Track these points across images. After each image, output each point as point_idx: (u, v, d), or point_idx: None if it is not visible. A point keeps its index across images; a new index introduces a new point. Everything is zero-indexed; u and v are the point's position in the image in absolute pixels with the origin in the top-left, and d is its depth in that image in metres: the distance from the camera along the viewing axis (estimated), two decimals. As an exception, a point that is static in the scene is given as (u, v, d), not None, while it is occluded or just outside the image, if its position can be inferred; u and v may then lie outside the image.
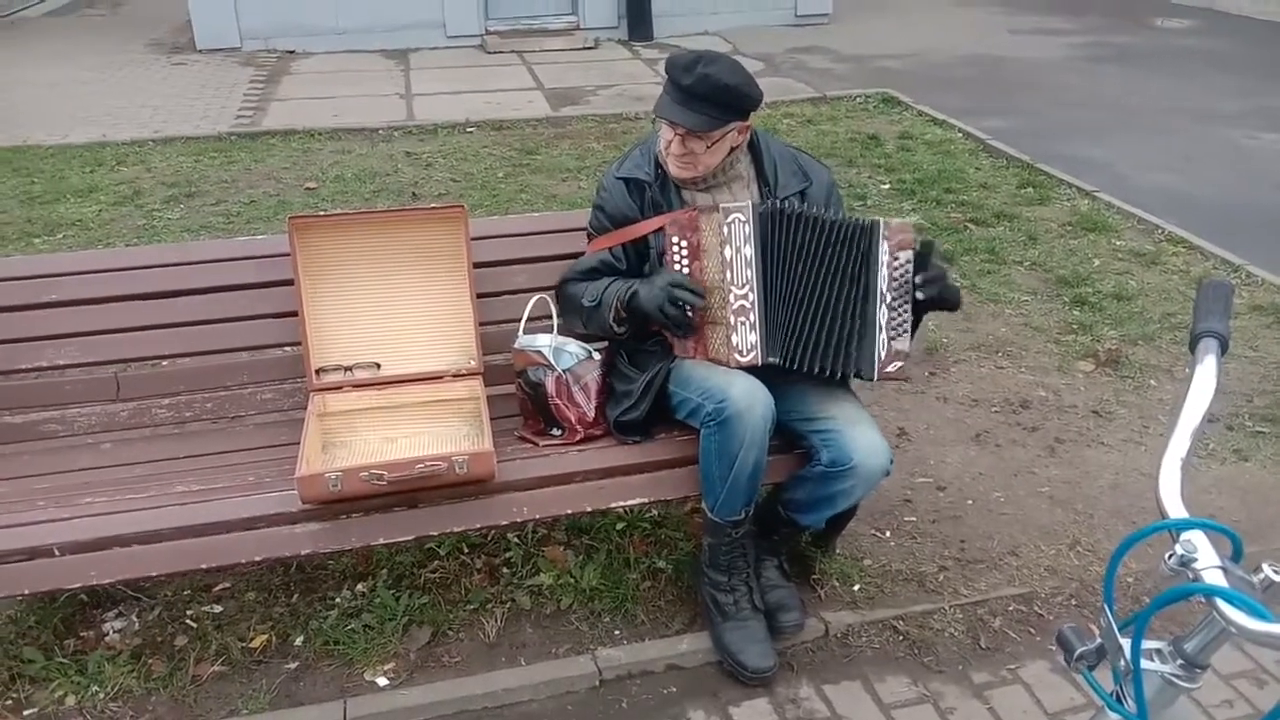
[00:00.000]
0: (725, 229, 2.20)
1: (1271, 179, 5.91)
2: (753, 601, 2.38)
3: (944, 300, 2.25)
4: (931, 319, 4.02)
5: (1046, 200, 5.43)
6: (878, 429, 2.27)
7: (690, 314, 2.23)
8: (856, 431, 2.23)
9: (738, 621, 2.36)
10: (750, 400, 2.17)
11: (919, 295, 2.22)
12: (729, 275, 2.21)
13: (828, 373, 2.24)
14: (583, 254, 2.50)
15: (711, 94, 2.19)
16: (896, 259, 2.22)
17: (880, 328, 2.22)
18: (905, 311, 2.24)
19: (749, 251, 2.21)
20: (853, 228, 2.22)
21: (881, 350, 2.23)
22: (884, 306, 2.22)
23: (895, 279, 2.22)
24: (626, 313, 2.28)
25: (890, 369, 2.24)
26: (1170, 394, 3.56)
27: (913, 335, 2.30)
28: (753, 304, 2.21)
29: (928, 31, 10.22)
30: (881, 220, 2.22)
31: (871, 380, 2.26)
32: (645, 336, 2.37)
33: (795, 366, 2.24)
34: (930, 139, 6.55)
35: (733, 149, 2.33)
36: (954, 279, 2.27)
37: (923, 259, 2.23)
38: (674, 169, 2.33)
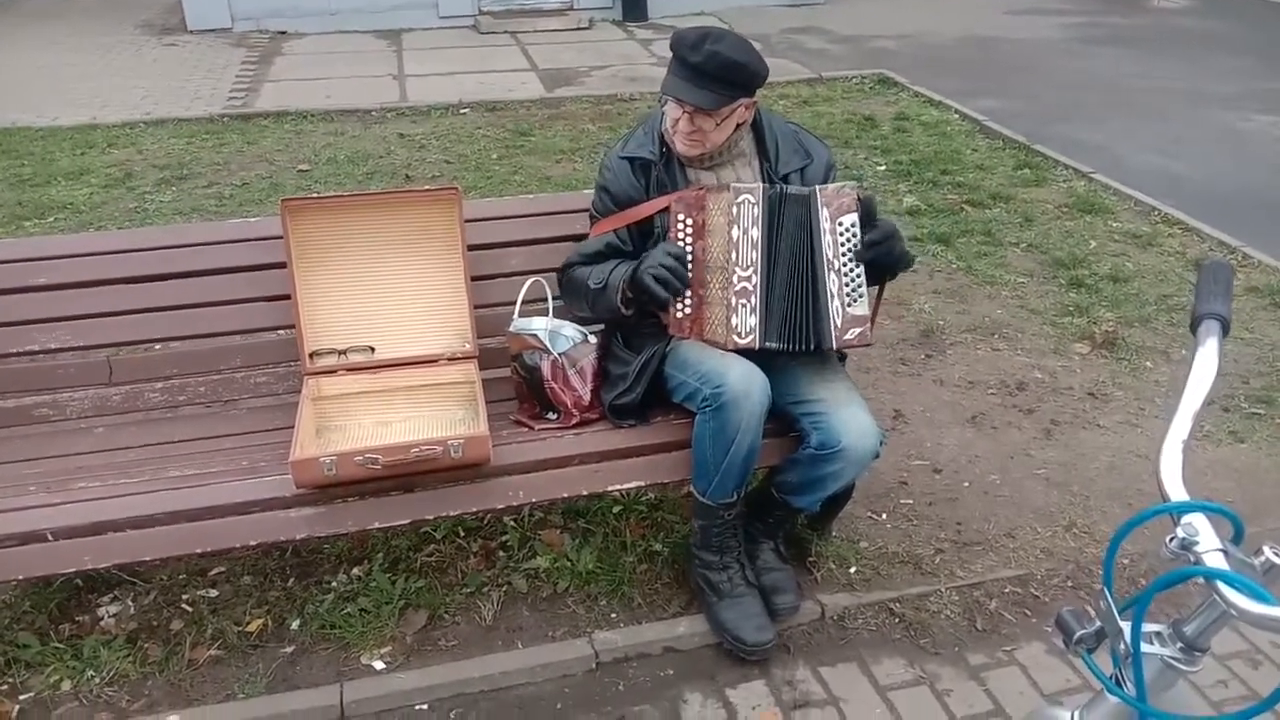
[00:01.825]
0: (735, 209, 2.18)
1: (1266, 161, 5.90)
2: (746, 578, 2.38)
3: (886, 263, 2.24)
4: (927, 302, 4.05)
5: (1043, 182, 5.42)
6: (867, 410, 2.26)
7: (678, 279, 2.20)
8: (846, 413, 2.22)
9: (733, 599, 2.35)
10: (747, 385, 2.16)
11: (859, 259, 2.21)
12: (734, 255, 2.19)
13: (791, 349, 2.22)
14: (585, 236, 2.48)
15: (720, 71, 2.17)
16: (841, 224, 2.20)
17: (831, 295, 2.20)
18: (859, 277, 2.22)
19: (756, 234, 2.19)
20: (793, 198, 2.20)
21: (837, 317, 2.20)
22: (833, 274, 2.20)
23: (842, 244, 2.20)
24: (632, 292, 2.26)
25: (850, 336, 2.21)
26: (1166, 376, 3.55)
27: (878, 299, 2.29)
28: (755, 286, 2.20)
29: (923, 12, 10.16)
30: (817, 187, 2.21)
31: (832, 349, 2.24)
32: (645, 318, 2.35)
33: (780, 348, 2.23)
34: (926, 120, 6.53)
35: (738, 125, 2.32)
36: (898, 241, 2.26)
37: (869, 217, 2.22)
38: (682, 147, 2.31)
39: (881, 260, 2.23)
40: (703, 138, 2.27)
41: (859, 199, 2.22)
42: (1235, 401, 3.39)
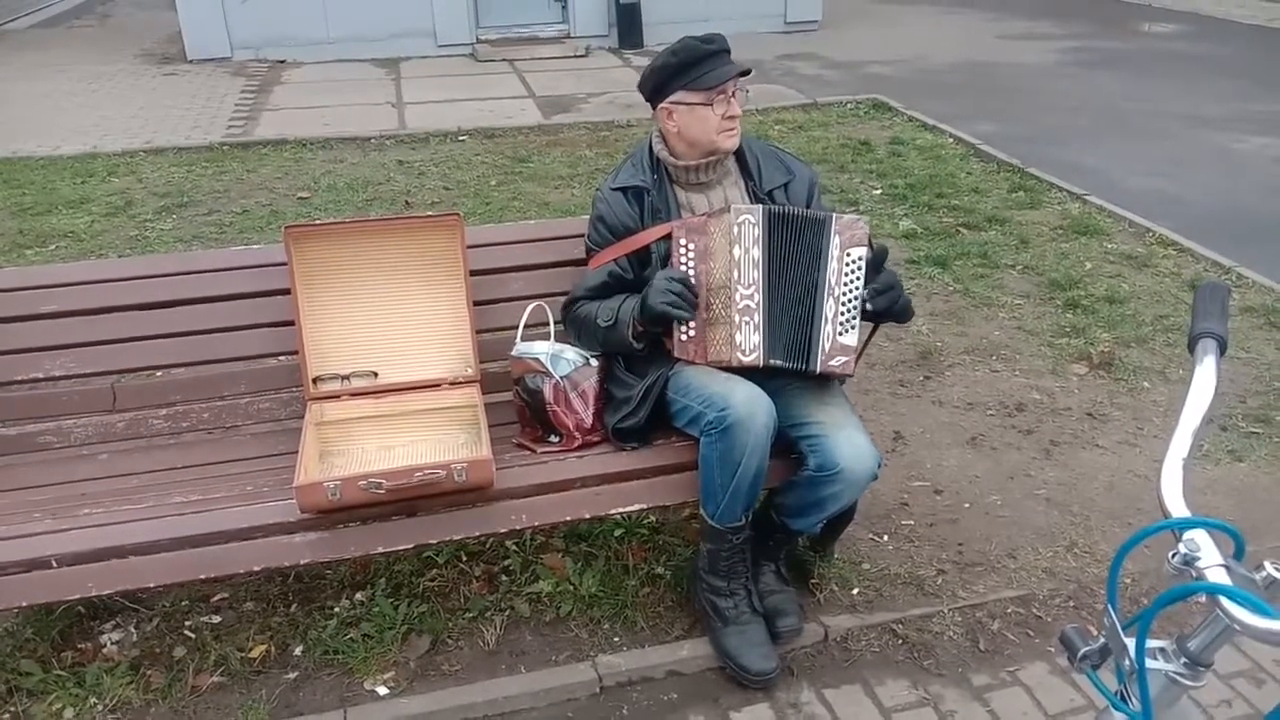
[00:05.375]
0: (735, 229, 2.22)
1: (1259, 182, 5.95)
2: (752, 605, 2.39)
3: (893, 314, 2.28)
4: (925, 324, 4.07)
5: (1038, 204, 5.46)
6: (865, 432, 2.27)
7: (686, 300, 2.23)
8: (842, 436, 2.23)
9: (738, 626, 2.36)
10: (753, 408, 2.17)
11: (868, 306, 2.22)
12: (736, 274, 2.22)
13: (795, 368, 2.24)
14: (584, 262, 2.50)
15: (722, 41, 2.33)
16: (849, 254, 2.23)
17: (826, 319, 2.23)
18: (855, 309, 2.24)
19: (757, 253, 2.22)
20: (808, 221, 2.24)
21: (826, 342, 2.22)
22: (831, 299, 2.22)
23: (846, 274, 2.23)
24: (643, 324, 2.29)
25: (833, 363, 2.23)
26: (1164, 396, 3.57)
27: (869, 338, 2.31)
28: (758, 304, 2.22)
29: (917, 38, 10.27)
30: (834, 215, 2.24)
31: (814, 373, 2.25)
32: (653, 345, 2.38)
33: (785, 365, 2.24)
34: (921, 144, 6.58)
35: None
36: (903, 292, 2.29)
37: (877, 264, 2.24)
38: (728, 141, 2.36)
39: (886, 308, 2.25)
40: (739, 116, 2.35)
41: (870, 240, 2.25)
42: (1233, 420, 3.40)
